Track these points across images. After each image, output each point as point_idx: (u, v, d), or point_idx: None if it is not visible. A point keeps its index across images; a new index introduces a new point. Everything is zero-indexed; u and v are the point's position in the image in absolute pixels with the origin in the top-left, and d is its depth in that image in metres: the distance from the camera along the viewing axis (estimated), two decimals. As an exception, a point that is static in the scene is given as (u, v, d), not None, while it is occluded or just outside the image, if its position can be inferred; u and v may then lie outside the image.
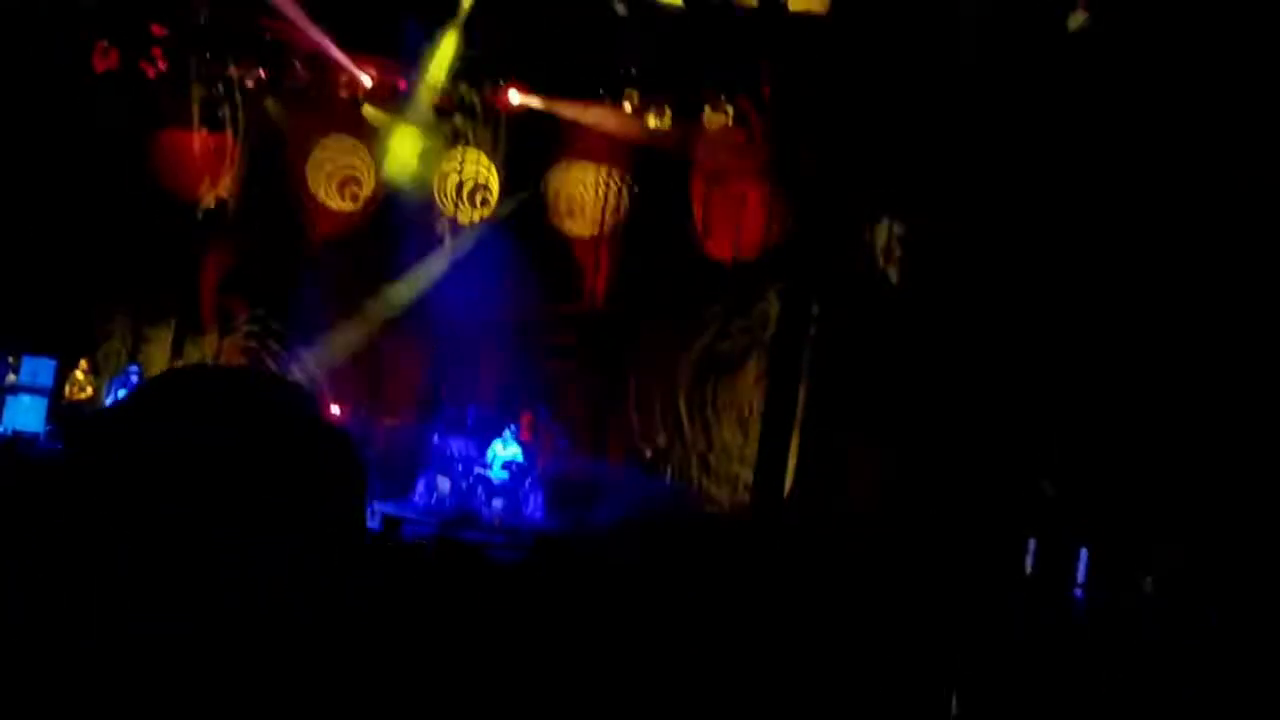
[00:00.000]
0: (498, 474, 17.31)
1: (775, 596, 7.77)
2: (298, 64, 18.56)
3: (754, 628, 7.08)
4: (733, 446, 17.72)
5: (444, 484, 17.43)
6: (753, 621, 7.16)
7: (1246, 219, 13.94)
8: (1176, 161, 14.17)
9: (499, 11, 17.70)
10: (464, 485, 17.36)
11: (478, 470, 17.41)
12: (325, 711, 5.77)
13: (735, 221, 18.05)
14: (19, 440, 16.35)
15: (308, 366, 18.45)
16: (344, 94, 18.84)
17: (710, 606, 7.23)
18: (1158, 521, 14.00)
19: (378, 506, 16.67)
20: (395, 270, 19.00)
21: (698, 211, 18.20)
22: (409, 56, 18.11)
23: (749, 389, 17.72)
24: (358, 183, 19.17)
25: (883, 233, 16.39)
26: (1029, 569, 14.48)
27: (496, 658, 6.54)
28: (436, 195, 19.08)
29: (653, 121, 18.16)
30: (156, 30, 18.42)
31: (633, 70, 18.01)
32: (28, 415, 17.17)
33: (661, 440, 18.25)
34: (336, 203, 19.12)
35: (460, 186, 19.10)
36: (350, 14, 17.83)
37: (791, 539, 15.13)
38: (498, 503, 17.13)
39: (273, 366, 18.25)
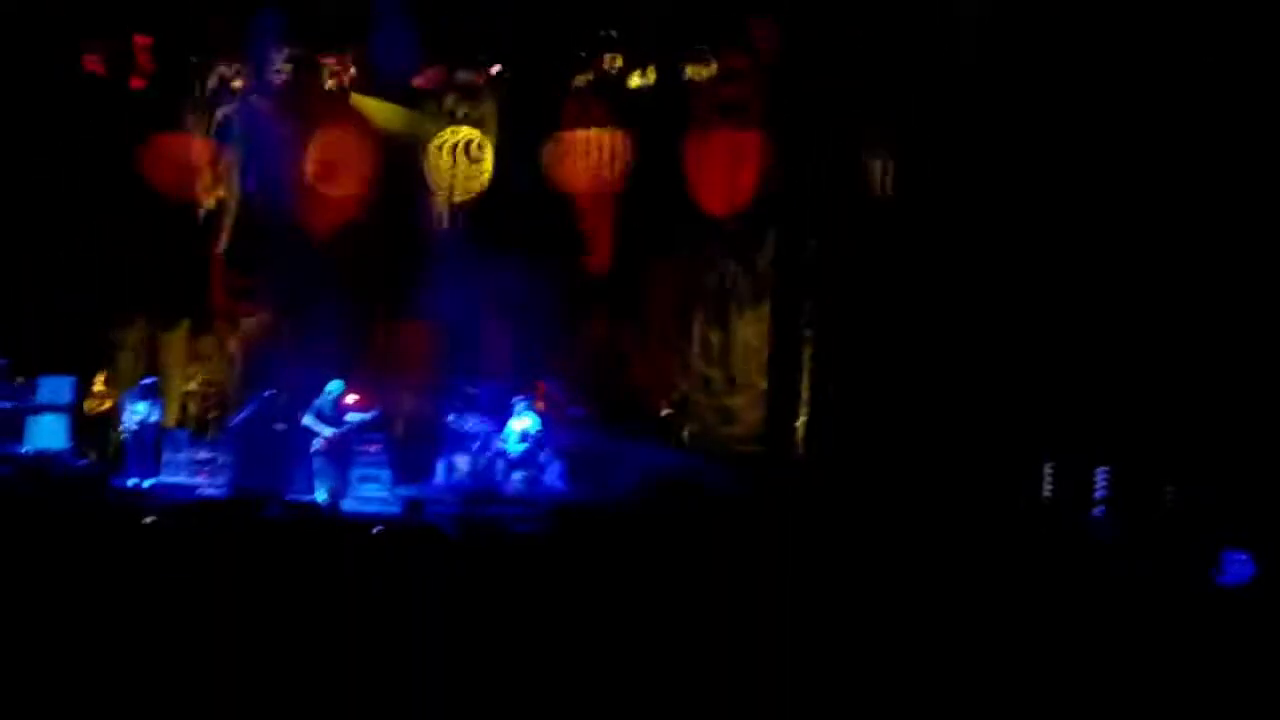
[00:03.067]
0: (515, 447, 17.43)
1: (790, 558, 7.93)
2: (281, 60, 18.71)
3: (770, 589, 7.25)
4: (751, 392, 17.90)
5: (462, 462, 17.56)
6: (769, 583, 7.33)
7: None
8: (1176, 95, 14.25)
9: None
10: (482, 461, 17.50)
11: (495, 445, 17.54)
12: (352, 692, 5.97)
13: (729, 174, 18.15)
14: (43, 459, 16.61)
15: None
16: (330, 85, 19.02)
17: (726, 573, 7.39)
18: (1177, 440, 14.04)
19: (399, 490, 16.90)
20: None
21: (691, 167, 18.31)
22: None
23: (760, 334, 17.88)
24: (352, 172, 19.29)
25: (878, 164, 16.45)
26: (1047, 492, 14.61)
27: (520, 630, 6.72)
28: (432, 175, 19.21)
29: (635, 80, 18.30)
30: (140, 39, 18.59)
31: (613, 32, 18.11)
32: (50, 434, 17.39)
33: (677, 396, 18.48)
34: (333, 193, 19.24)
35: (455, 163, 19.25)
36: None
37: (806, 477, 15.37)
38: (517, 475, 17.26)
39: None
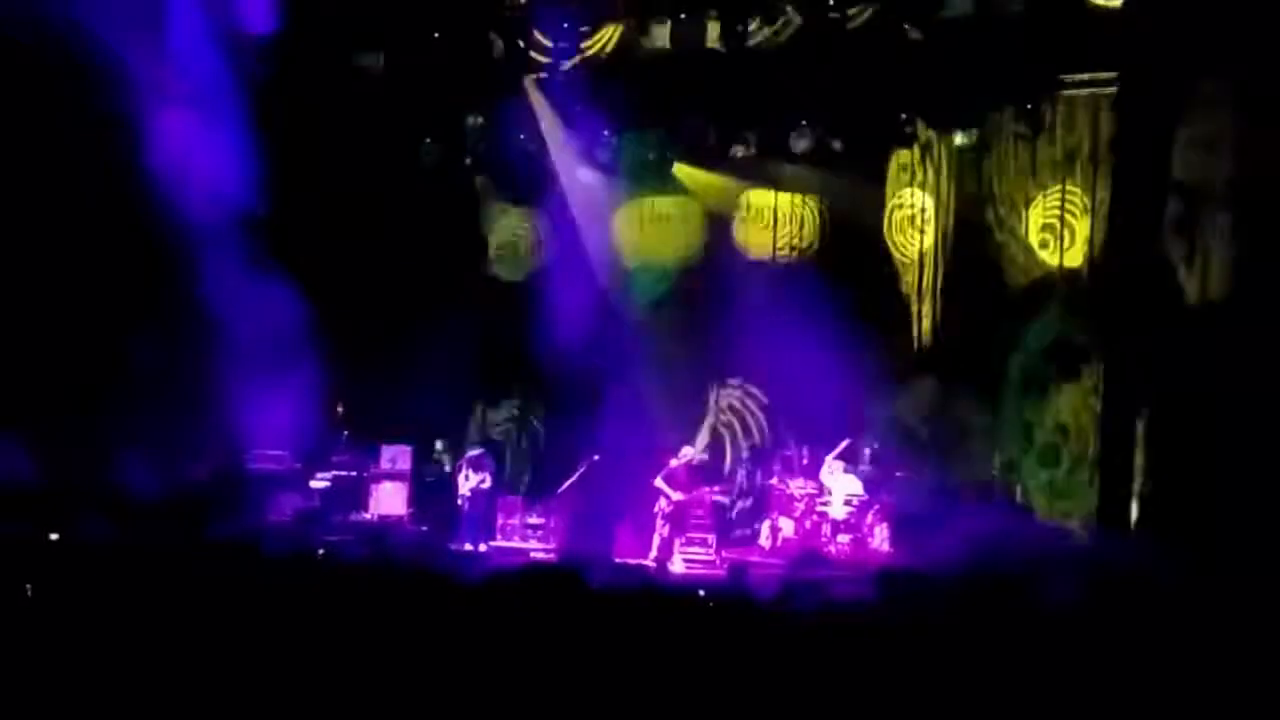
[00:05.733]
0: (838, 510, 17.27)
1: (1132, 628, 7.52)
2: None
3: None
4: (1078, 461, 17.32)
5: (786, 525, 17.51)
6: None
7: None
8: None
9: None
10: (807, 524, 17.40)
11: (819, 508, 17.41)
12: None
13: (1060, 230, 17.76)
14: (383, 525, 17.37)
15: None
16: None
17: (1061, 647, 7.05)
18: None
19: (725, 555, 16.95)
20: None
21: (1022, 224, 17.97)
22: None
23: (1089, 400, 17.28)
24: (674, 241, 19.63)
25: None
26: None
27: (843, 698, 6.57)
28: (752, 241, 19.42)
29: (959, 139, 18.15)
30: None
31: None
32: (390, 500, 18.16)
33: (1005, 458, 18.03)
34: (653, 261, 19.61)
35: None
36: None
37: (1143, 544, 14.66)
38: (842, 539, 17.10)
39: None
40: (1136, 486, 15.58)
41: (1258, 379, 14.62)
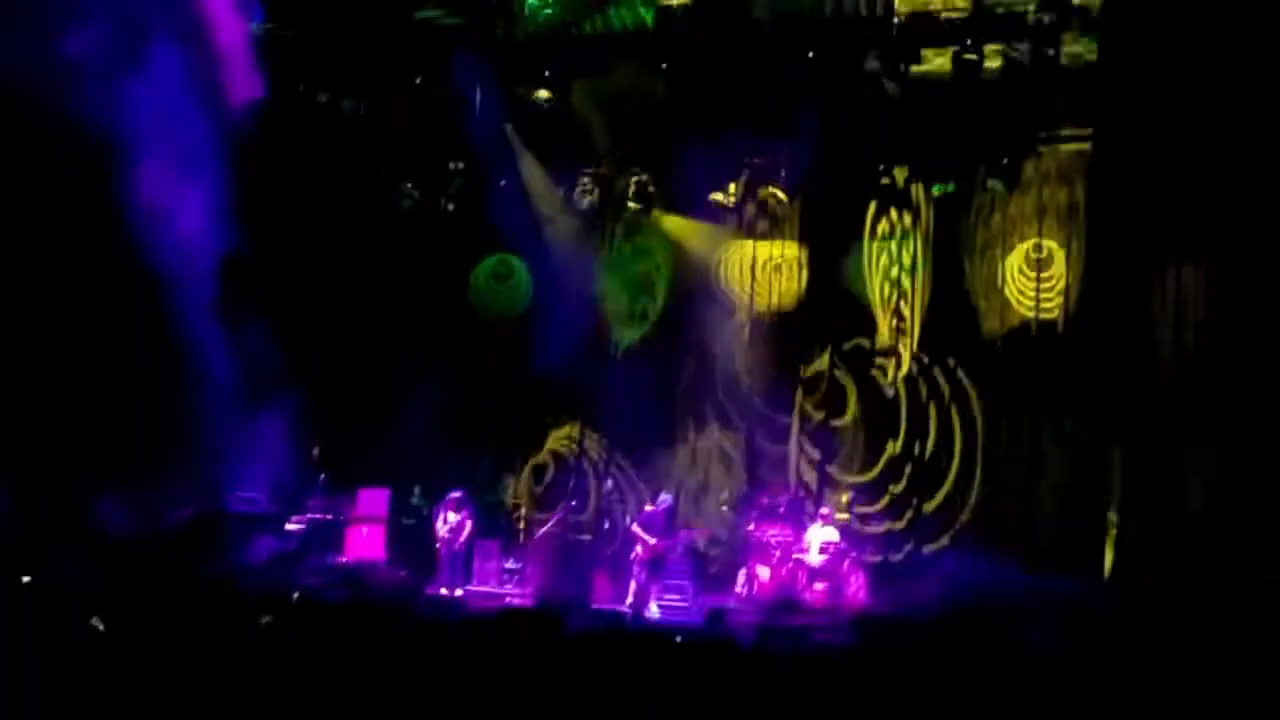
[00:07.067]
0: (815, 557, 17.30)
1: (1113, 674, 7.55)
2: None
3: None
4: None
5: (763, 572, 17.52)
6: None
7: None
8: None
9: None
10: (783, 572, 17.42)
11: (795, 556, 17.43)
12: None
13: (1032, 281, 17.89)
14: (361, 569, 17.30)
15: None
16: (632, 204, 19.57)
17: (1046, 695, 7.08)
18: None
19: (702, 601, 16.96)
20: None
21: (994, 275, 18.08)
22: None
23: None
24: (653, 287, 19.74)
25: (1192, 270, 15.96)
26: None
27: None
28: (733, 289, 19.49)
29: (936, 191, 18.26)
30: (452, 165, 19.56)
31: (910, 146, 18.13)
32: (368, 545, 18.10)
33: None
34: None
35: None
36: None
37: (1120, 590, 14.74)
38: (818, 586, 17.11)
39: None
40: (1111, 533, 15.74)
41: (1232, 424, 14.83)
